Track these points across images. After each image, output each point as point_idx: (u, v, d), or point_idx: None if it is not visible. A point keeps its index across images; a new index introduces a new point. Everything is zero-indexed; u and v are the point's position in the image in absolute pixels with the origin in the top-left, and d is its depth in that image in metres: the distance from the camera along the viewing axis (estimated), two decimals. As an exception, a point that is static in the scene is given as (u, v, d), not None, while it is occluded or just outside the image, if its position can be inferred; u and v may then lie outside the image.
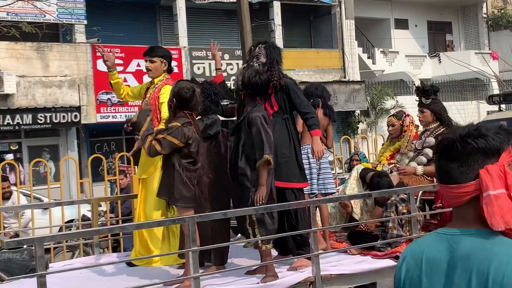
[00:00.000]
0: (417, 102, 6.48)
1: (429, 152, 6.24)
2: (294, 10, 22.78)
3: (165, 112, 5.32)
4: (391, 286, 6.49)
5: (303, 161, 5.50)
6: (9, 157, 16.24)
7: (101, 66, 17.70)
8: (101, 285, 4.74)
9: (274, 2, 21.89)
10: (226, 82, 5.72)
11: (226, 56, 20.40)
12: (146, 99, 5.77)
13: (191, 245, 4.25)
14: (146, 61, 5.77)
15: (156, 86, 5.70)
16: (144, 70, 6.02)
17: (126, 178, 9.59)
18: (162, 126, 5.28)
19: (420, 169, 6.17)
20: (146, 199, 5.58)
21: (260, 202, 4.66)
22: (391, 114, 7.12)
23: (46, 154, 17.31)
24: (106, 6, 19.06)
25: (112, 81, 5.97)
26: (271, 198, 4.81)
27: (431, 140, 6.26)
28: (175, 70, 5.94)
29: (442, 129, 6.30)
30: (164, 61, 5.77)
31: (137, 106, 5.89)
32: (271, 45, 5.40)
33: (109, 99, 17.54)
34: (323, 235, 5.67)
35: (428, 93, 6.37)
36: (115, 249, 7.76)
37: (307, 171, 5.53)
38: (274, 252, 5.59)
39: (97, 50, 5.92)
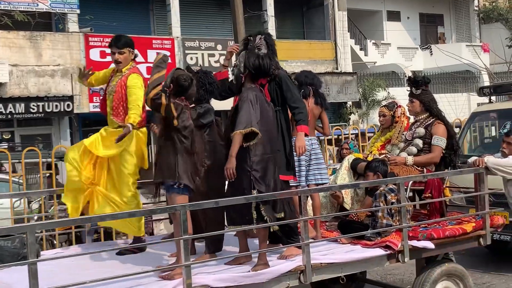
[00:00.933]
0: (408, 92, 6.50)
1: (419, 142, 6.26)
2: (287, 1, 22.72)
3: (134, 98, 5.43)
4: (381, 275, 6.54)
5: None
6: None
7: (94, 55, 17.65)
8: (93, 273, 4.72)
9: (267, -7, 21.81)
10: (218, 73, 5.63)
11: (219, 47, 20.34)
12: (112, 86, 5.71)
13: (182, 233, 4.24)
14: (114, 53, 5.63)
15: (123, 74, 5.66)
16: (138, 60, 5.92)
17: None
18: (134, 111, 5.30)
19: (410, 159, 6.20)
20: (119, 175, 5.55)
21: (230, 175, 4.64)
22: (383, 104, 7.13)
23: (39, 143, 17.23)
24: (99, -5, 18.96)
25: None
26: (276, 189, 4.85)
27: (421, 131, 6.28)
28: (139, 56, 5.88)
29: (431, 120, 6.32)
30: (131, 50, 5.73)
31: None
32: (270, 36, 5.39)
33: (101, 88, 17.40)
34: (314, 224, 5.68)
35: (419, 83, 6.40)
36: (109, 237, 7.74)
37: (296, 164, 5.53)
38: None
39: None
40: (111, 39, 5.71)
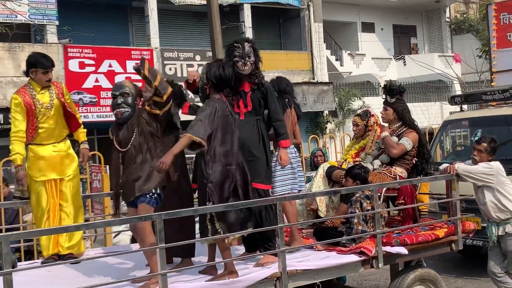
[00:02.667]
0: (383, 100, 6.54)
1: (392, 150, 6.28)
2: (264, 13, 22.78)
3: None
4: (357, 280, 6.54)
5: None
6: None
7: (73, 66, 17.48)
8: (70, 283, 4.66)
9: (245, 4, 21.85)
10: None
11: (198, 58, 20.30)
12: (46, 104, 5.61)
13: (159, 242, 4.20)
14: (50, 72, 5.66)
15: (50, 88, 5.68)
16: (117, 71, 5.95)
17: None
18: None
19: (376, 164, 6.25)
20: (74, 196, 5.66)
21: (160, 169, 4.55)
22: (356, 114, 7.16)
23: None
24: (78, 7, 18.79)
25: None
26: (236, 195, 4.77)
27: (394, 139, 6.31)
28: (118, 66, 5.90)
29: (404, 129, 6.36)
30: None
31: (109, 106, 5.82)
32: (255, 44, 5.38)
33: (80, 99, 17.29)
34: (291, 232, 5.62)
35: (394, 92, 6.44)
36: (31, 255, 7.67)
37: (289, 170, 5.53)
38: (242, 249, 5.58)
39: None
40: (44, 59, 5.65)
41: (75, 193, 5.73)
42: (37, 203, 5.63)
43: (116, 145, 4.75)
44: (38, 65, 5.61)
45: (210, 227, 4.66)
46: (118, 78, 5.05)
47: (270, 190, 5.32)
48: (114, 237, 8.09)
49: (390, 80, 6.81)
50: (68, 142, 5.83)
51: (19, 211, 8.55)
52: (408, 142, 6.22)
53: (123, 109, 4.74)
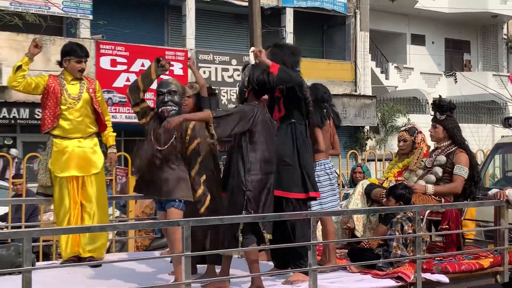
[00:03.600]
0: (432, 116, 6.47)
1: (439, 171, 6.22)
2: (307, 18, 22.81)
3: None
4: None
5: (323, 176, 5.50)
6: (14, 152, 16.11)
7: (104, 63, 17.78)
8: (87, 286, 4.73)
9: (287, 8, 21.94)
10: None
11: (234, 62, 20.43)
12: (73, 95, 5.76)
13: (185, 250, 4.24)
14: (84, 62, 5.84)
15: (82, 81, 5.83)
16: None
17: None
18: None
19: (430, 188, 6.14)
20: (99, 196, 5.72)
21: (166, 126, 4.65)
22: (402, 129, 7.11)
23: (42, 151, 17.31)
24: (113, 2, 19.13)
25: (21, 63, 5.73)
26: (270, 205, 4.80)
27: (442, 159, 6.24)
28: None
29: (454, 148, 6.27)
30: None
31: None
32: (279, 46, 5.40)
33: (110, 98, 17.55)
34: (326, 251, 5.60)
35: (444, 108, 6.36)
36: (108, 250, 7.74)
37: (328, 187, 5.54)
38: (271, 265, 5.58)
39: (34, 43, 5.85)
40: (79, 48, 5.83)
41: (99, 193, 5.81)
42: (59, 201, 5.73)
43: (153, 142, 4.84)
44: (72, 53, 5.78)
45: (242, 238, 4.69)
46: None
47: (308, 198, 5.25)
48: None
49: (440, 96, 6.73)
50: (95, 139, 5.92)
51: (36, 209, 8.69)
52: (463, 170, 6.12)
53: (170, 107, 4.89)
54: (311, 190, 5.17)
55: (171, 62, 5.19)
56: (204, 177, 4.85)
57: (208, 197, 4.81)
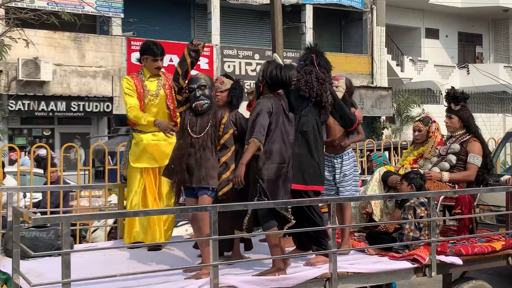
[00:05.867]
0: (446, 107, 6.40)
1: (453, 158, 6.16)
2: (325, 14, 22.71)
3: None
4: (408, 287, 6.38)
5: (347, 166, 5.50)
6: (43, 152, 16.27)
7: (135, 59, 17.87)
8: (123, 267, 4.78)
9: (307, 5, 21.85)
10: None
11: (256, 56, 20.44)
12: (152, 91, 5.71)
13: (212, 234, 4.26)
14: (161, 60, 5.74)
15: (160, 77, 5.78)
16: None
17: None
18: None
19: (446, 176, 6.09)
20: (162, 189, 5.66)
21: (238, 183, 4.62)
22: (417, 119, 7.05)
23: (77, 142, 17.52)
24: (143, 1, 19.24)
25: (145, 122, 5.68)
26: (286, 194, 4.82)
27: (456, 147, 6.18)
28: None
29: (468, 137, 6.20)
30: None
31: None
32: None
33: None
34: (342, 234, 5.59)
35: (458, 99, 6.28)
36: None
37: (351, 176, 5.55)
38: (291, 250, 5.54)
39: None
40: (155, 47, 5.74)
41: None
42: (130, 190, 5.72)
43: (189, 130, 4.86)
44: (148, 52, 5.73)
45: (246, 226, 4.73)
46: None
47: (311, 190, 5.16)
48: (92, 232, 8.24)
49: (453, 87, 6.65)
50: None
51: (68, 195, 8.79)
52: (476, 158, 6.06)
53: (202, 101, 4.89)
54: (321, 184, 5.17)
55: (202, 47, 5.12)
56: (233, 166, 4.84)
57: (230, 186, 4.78)
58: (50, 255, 4.92)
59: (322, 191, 5.28)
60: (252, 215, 4.81)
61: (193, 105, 4.92)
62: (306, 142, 5.04)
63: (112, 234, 8.10)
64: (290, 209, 4.91)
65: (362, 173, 9.38)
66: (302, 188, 5.02)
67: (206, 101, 4.91)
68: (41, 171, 9.78)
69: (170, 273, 4.54)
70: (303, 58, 5.30)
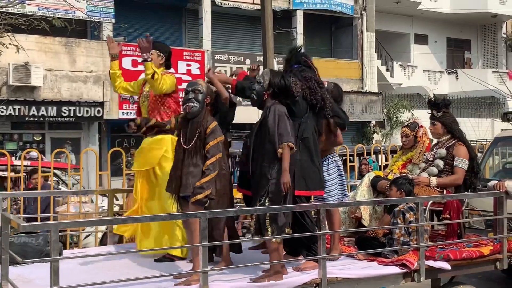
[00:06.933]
0: (429, 115, 6.44)
1: (440, 163, 6.19)
2: (316, 20, 22.75)
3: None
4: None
5: (332, 170, 5.50)
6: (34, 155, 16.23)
7: (126, 64, 17.83)
8: (112, 274, 4.75)
9: (297, 11, 21.87)
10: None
11: (247, 61, 20.42)
12: (145, 92, 5.84)
13: (202, 240, 4.24)
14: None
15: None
16: (168, 71, 6.02)
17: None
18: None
19: (434, 180, 6.11)
20: (162, 191, 5.54)
21: (286, 189, 4.64)
22: (404, 125, 7.08)
23: (68, 147, 17.44)
24: (133, 6, 19.18)
25: (111, 71, 6.06)
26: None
27: (442, 152, 6.21)
28: (172, 69, 6.05)
29: (453, 142, 6.25)
30: (161, 55, 5.94)
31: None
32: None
33: (131, 96, 17.61)
34: (331, 239, 5.59)
35: (439, 106, 6.34)
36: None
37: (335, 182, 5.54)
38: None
39: (106, 38, 5.88)
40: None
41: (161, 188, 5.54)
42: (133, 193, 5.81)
43: (181, 141, 4.87)
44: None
45: (270, 228, 4.68)
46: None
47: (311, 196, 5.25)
48: (84, 238, 8.19)
49: (434, 94, 6.70)
50: (157, 137, 5.71)
51: (50, 202, 8.71)
52: (463, 162, 6.09)
53: (192, 103, 4.92)
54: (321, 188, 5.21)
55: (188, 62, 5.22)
56: (216, 172, 4.81)
57: (208, 191, 4.73)
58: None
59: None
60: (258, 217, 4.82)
61: (183, 106, 4.98)
62: (307, 148, 5.09)
63: (104, 240, 8.05)
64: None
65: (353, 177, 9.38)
66: (306, 193, 5.07)
67: (195, 105, 4.92)
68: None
69: (160, 280, 4.52)
70: (294, 61, 5.33)
